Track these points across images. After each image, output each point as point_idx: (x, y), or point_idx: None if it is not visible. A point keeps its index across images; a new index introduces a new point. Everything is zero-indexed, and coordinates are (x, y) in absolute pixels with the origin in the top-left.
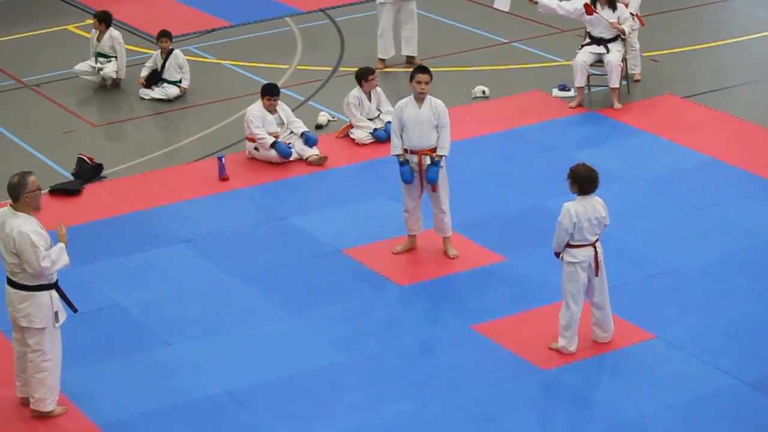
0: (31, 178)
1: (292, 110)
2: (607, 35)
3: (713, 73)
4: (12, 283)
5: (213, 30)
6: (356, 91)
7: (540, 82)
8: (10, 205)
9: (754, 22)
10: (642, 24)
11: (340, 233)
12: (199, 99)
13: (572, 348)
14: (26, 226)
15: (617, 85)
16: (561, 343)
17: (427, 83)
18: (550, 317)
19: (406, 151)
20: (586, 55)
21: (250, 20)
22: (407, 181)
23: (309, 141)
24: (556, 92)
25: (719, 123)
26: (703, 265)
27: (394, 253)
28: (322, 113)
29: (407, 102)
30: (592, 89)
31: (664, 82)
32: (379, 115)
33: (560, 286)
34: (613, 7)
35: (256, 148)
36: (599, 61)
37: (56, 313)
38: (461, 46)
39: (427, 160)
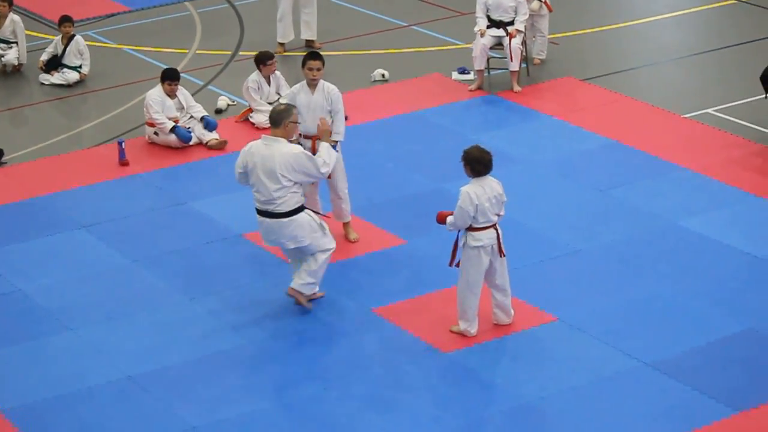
0: (295, 110)
1: (192, 95)
2: (506, 18)
3: (613, 56)
4: (269, 214)
5: (112, 15)
6: (255, 76)
7: (440, 66)
8: (269, 134)
9: (654, 5)
10: (550, 10)
11: (241, 217)
12: (100, 84)
13: (473, 331)
14: (290, 147)
15: (517, 68)
16: (462, 326)
17: (318, 69)
18: (451, 300)
19: (300, 135)
20: (486, 38)
21: (149, 5)
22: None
23: (209, 125)
24: (455, 75)
25: (619, 105)
26: (605, 247)
27: None
28: (222, 97)
29: (300, 88)
30: (492, 72)
31: (564, 65)
32: (278, 99)
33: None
34: None
35: (155, 133)
36: (499, 44)
37: (321, 225)
38: (361, 29)
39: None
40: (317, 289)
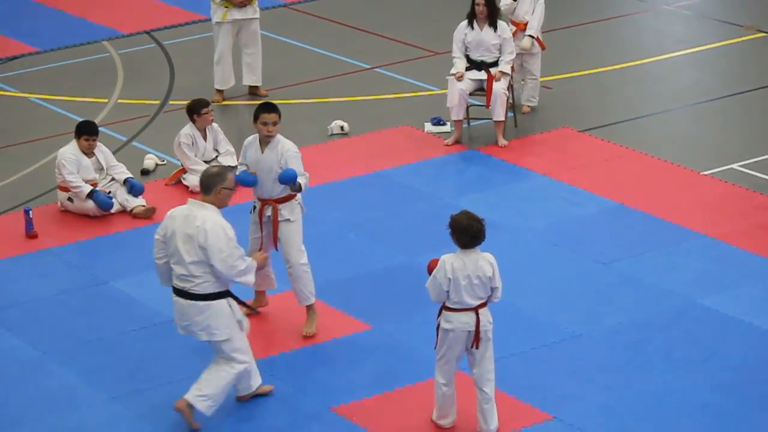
0: (231, 175)
1: (113, 153)
2: (489, 58)
3: (617, 103)
4: (185, 294)
5: (16, 57)
6: (189, 129)
7: (410, 116)
8: (198, 198)
9: (665, 41)
10: (542, 48)
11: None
12: (2, 140)
13: (447, 423)
14: (219, 218)
15: (502, 118)
16: (434, 415)
17: (275, 124)
18: (425, 395)
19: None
20: (464, 82)
21: (61, 45)
22: (245, 182)
23: (134, 189)
24: (428, 127)
25: (624, 161)
26: (609, 331)
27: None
28: (149, 156)
29: (251, 141)
30: (473, 123)
31: (558, 114)
32: (216, 156)
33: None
34: (494, 26)
35: (70, 199)
36: (481, 89)
37: (240, 322)
38: (315, 73)
39: (268, 211)
40: (214, 409)
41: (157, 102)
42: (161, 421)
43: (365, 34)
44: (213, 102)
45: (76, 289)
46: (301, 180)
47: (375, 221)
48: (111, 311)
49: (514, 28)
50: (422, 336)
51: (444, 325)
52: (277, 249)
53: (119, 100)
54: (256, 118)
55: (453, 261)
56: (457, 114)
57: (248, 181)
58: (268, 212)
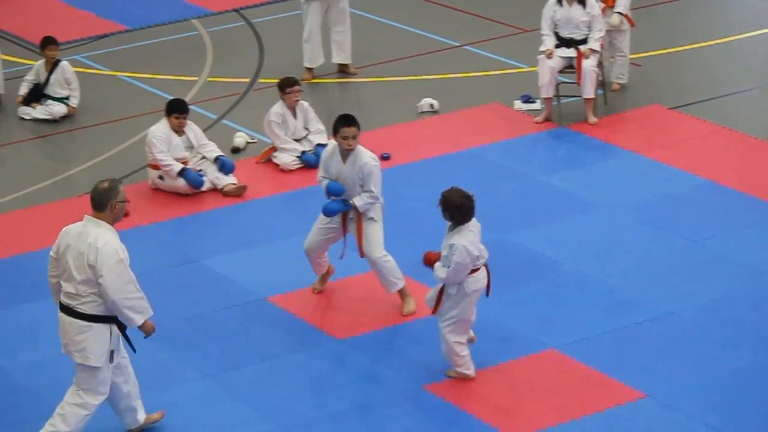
0: (122, 187)
1: (204, 131)
2: (578, 35)
3: (708, 79)
4: (69, 311)
5: (106, 35)
6: (279, 107)
7: (499, 93)
8: (91, 215)
9: (754, 15)
10: (632, 24)
11: (264, 278)
12: (91, 119)
13: (472, 372)
14: (114, 238)
15: (592, 95)
16: (470, 371)
17: (354, 137)
18: (516, 374)
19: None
20: (554, 59)
21: (150, 23)
22: (336, 192)
23: (224, 167)
24: (518, 104)
25: (716, 138)
26: (701, 309)
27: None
28: (239, 134)
29: (333, 150)
30: (562, 101)
31: (648, 91)
32: (306, 135)
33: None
34: (583, 3)
35: (161, 177)
36: (570, 67)
37: (112, 352)
38: (404, 51)
39: (352, 213)
40: None
41: (247, 80)
42: (254, 399)
43: (454, 12)
44: (302, 80)
45: (167, 267)
46: (358, 202)
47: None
48: (202, 289)
49: (603, 5)
50: (514, 313)
51: (474, 286)
52: (361, 252)
53: (209, 78)
54: (335, 131)
55: (468, 240)
56: (547, 92)
57: (339, 191)
58: (352, 214)
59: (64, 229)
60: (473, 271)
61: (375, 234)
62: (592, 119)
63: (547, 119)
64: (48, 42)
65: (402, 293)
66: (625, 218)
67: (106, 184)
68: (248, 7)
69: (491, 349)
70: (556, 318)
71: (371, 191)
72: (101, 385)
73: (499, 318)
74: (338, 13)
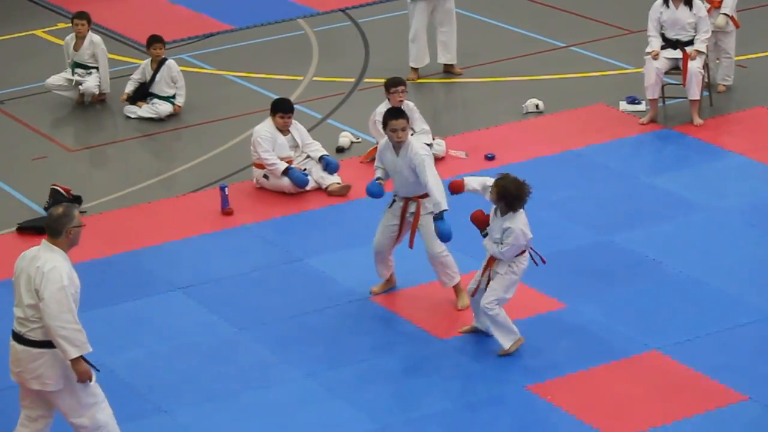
0: (77, 212)
1: (308, 130)
2: (684, 37)
3: None
4: (20, 338)
5: (212, 35)
6: (384, 107)
7: (604, 94)
8: (47, 240)
9: None
10: (737, 26)
11: (367, 277)
12: (197, 118)
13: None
14: (63, 264)
15: (698, 97)
16: (514, 344)
17: (403, 130)
18: (620, 374)
19: (396, 194)
20: (660, 61)
21: (256, 23)
22: (372, 194)
23: (329, 167)
24: (623, 105)
25: None
26: None
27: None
28: (344, 133)
29: (386, 144)
30: (668, 102)
31: (754, 92)
32: (412, 134)
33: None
34: (689, 5)
35: (265, 176)
36: (676, 68)
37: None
38: (509, 51)
39: (412, 207)
40: None
41: (352, 80)
42: (356, 399)
43: (560, 12)
44: (408, 80)
45: (271, 266)
46: (435, 192)
47: (569, 200)
48: (306, 288)
49: (709, 6)
50: (616, 315)
51: (522, 265)
52: (411, 244)
53: (314, 78)
54: (385, 125)
55: (522, 223)
56: (653, 93)
57: (376, 192)
58: (412, 208)
59: (22, 253)
60: (521, 252)
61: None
62: (698, 121)
63: (653, 120)
64: (154, 40)
65: (457, 288)
66: (730, 220)
67: (60, 210)
68: (354, 7)
69: (593, 351)
70: (658, 319)
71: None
72: (91, 396)
73: (602, 319)
74: (444, 13)
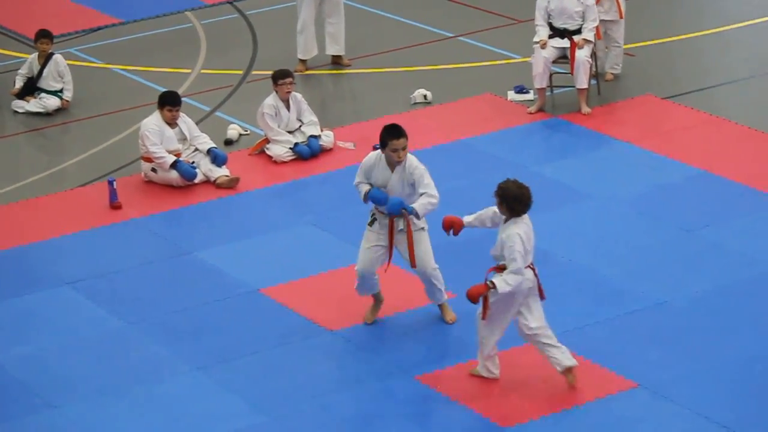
0: None
1: (196, 123)
2: (571, 25)
3: (700, 69)
4: None
5: (99, 28)
6: (272, 99)
7: (492, 84)
8: None
9: (745, 5)
10: (620, 16)
11: (257, 270)
12: (84, 112)
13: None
14: None
15: (586, 86)
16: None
17: (404, 149)
18: (514, 362)
19: (377, 210)
20: (548, 50)
21: (143, 16)
22: (378, 200)
23: (217, 159)
24: (512, 95)
25: (708, 128)
26: (694, 298)
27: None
28: (232, 126)
29: (376, 160)
30: (556, 91)
31: (641, 81)
32: (299, 126)
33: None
34: None
35: (153, 170)
36: (564, 57)
37: None
38: (397, 42)
39: (401, 224)
40: None
41: (240, 72)
42: (247, 391)
43: (448, 3)
44: (296, 72)
45: (160, 260)
46: (420, 209)
47: (458, 189)
48: (195, 282)
49: None
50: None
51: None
52: (413, 263)
53: (202, 71)
54: (384, 144)
55: (522, 229)
56: (541, 82)
57: (382, 198)
58: (400, 225)
59: None
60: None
61: (428, 243)
62: (586, 109)
63: (541, 109)
64: (41, 35)
65: (443, 303)
66: (618, 208)
67: None
68: None
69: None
70: (547, 308)
71: (427, 192)
72: None
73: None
74: (332, 4)
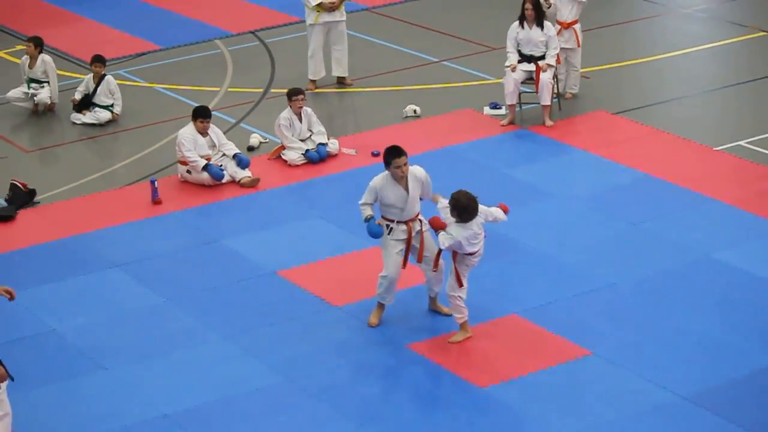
0: None
1: (224, 132)
2: (537, 52)
3: (645, 89)
4: None
5: (143, 54)
6: (287, 113)
7: (471, 101)
8: None
9: (683, 37)
10: (578, 45)
11: (273, 255)
12: (131, 123)
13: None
14: None
15: (549, 103)
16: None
17: (406, 164)
18: (488, 334)
19: (392, 221)
20: (517, 72)
21: (179, 43)
22: (375, 236)
23: (241, 163)
24: (487, 110)
25: (651, 138)
26: (638, 280)
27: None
28: (254, 135)
29: (384, 182)
30: (524, 107)
31: (595, 99)
32: (310, 135)
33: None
34: (541, 26)
35: (188, 171)
36: (530, 79)
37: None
38: (392, 65)
39: (418, 226)
40: None
41: (261, 90)
42: (265, 356)
43: (434, 33)
44: (307, 90)
45: (193, 246)
46: (442, 209)
47: (444, 189)
48: (222, 265)
49: (559, 27)
50: (480, 286)
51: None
52: (421, 260)
53: (229, 89)
54: (387, 163)
55: (464, 237)
56: (511, 99)
57: (379, 232)
58: (418, 227)
59: None
60: (470, 253)
61: (433, 243)
62: (549, 122)
63: (511, 122)
64: (95, 59)
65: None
66: (576, 205)
67: None
68: (262, 29)
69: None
70: (516, 288)
71: (439, 195)
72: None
73: (468, 287)
74: (338, 34)
